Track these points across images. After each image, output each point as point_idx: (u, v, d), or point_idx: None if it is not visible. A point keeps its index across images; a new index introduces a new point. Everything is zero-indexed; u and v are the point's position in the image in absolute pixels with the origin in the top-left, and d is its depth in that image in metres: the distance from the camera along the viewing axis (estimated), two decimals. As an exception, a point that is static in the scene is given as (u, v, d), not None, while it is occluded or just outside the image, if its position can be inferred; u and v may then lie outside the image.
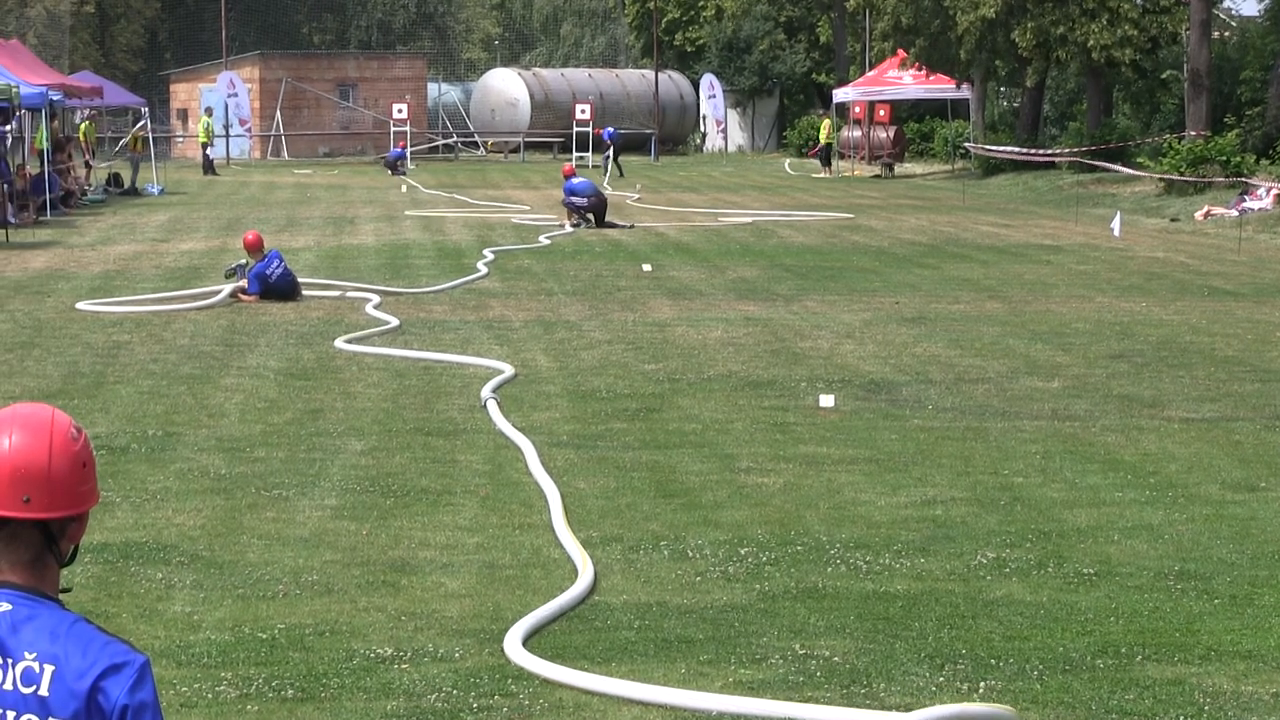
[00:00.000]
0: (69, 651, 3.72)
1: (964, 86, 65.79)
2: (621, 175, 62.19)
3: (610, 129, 67.59)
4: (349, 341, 21.33)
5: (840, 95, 74.10)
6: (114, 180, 53.10)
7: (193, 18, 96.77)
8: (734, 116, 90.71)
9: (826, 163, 68.21)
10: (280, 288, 25.56)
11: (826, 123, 70.06)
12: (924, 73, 66.01)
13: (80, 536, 3.92)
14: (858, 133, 71.72)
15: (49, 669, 3.72)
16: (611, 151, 63.81)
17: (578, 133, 70.34)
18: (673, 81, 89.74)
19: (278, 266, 25.65)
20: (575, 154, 69.33)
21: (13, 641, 3.75)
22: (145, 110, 58.46)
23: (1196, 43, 51.80)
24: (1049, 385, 18.59)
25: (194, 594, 10.54)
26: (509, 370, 18.93)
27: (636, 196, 50.53)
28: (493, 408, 16.68)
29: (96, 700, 3.70)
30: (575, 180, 40.99)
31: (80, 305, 24.66)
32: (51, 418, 3.89)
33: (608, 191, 46.91)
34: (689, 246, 35.54)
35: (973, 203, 51.02)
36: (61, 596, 3.90)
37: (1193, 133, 50.21)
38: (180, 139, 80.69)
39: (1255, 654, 9.53)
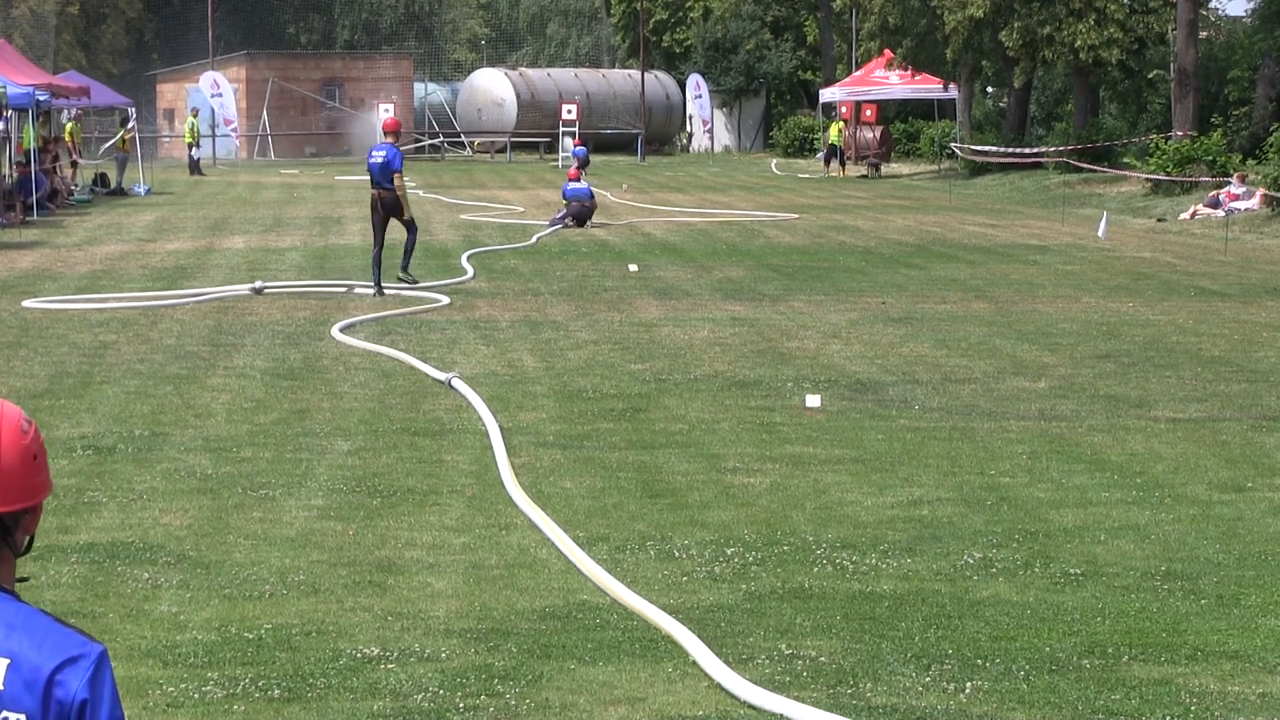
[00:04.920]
0: (24, 644, 3.65)
1: (950, 87, 65.84)
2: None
3: (581, 148, 67.68)
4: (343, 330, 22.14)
5: (827, 95, 74.16)
6: (100, 180, 53.01)
7: (179, 18, 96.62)
8: (720, 116, 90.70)
9: (842, 163, 68.33)
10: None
11: (836, 125, 70.17)
12: (910, 73, 66.07)
13: (34, 527, 3.85)
14: (845, 132, 71.80)
15: (4, 663, 3.63)
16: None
17: (564, 133, 70.25)
18: (659, 81, 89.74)
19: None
20: (561, 154, 69.30)
21: None
22: (132, 110, 58.34)
23: (1183, 43, 51.87)
24: (1036, 385, 18.59)
25: (180, 594, 10.52)
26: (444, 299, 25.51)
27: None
28: (459, 384, 17.80)
29: (53, 693, 3.61)
30: (570, 185, 40.95)
31: (27, 303, 24.92)
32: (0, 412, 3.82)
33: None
34: (675, 246, 35.52)
35: (959, 203, 51.05)
36: (20, 586, 3.82)
37: (1179, 133, 50.26)
38: (166, 139, 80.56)
39: (1241, 654, 9.53)
